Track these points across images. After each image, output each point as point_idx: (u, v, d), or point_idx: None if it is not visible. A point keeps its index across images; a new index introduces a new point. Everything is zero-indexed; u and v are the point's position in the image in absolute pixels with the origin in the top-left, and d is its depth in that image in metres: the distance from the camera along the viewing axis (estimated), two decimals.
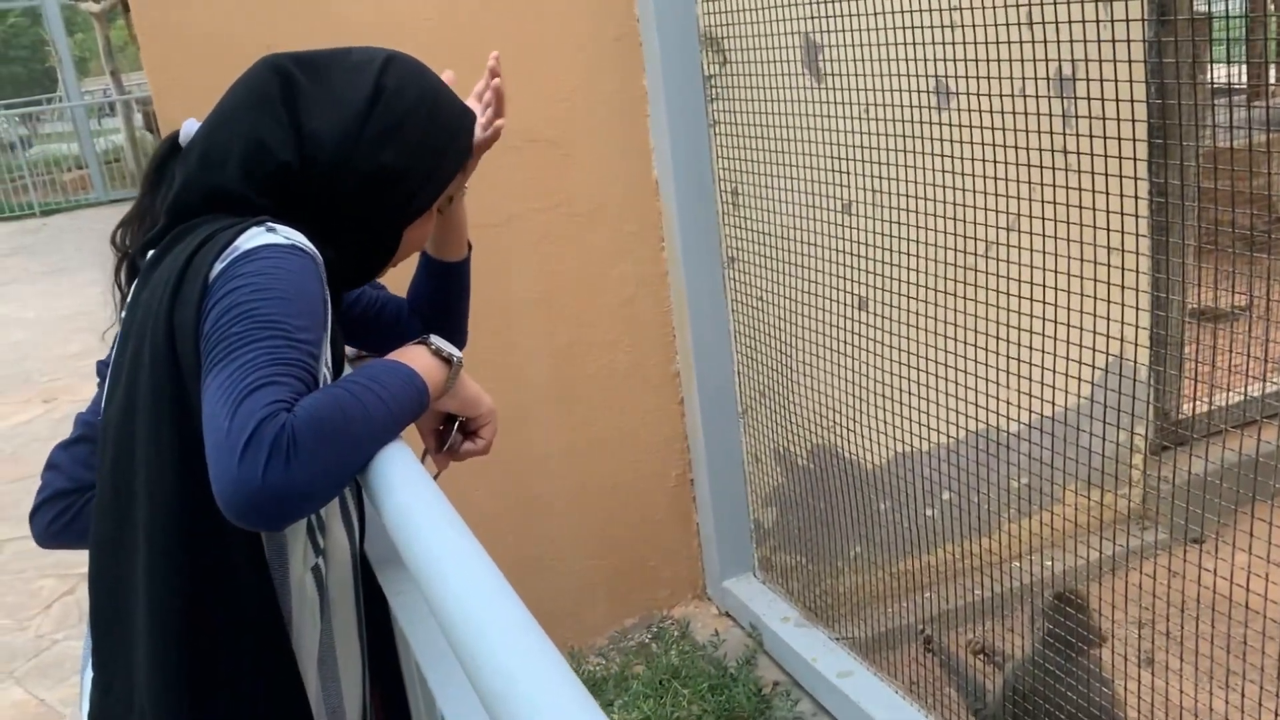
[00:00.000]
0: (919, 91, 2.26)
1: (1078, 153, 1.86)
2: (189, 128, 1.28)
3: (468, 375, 1.20)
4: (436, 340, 1.15)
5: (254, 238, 1.08)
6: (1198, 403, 3.18)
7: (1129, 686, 2.08)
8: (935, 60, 2.11)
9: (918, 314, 2.34)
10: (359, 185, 1.18)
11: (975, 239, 2.15)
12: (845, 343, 2.58)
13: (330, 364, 1.12)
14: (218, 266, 1.05)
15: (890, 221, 2.37)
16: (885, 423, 2.51)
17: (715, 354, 3.09)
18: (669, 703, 2.82)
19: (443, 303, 1.54)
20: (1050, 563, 2.68)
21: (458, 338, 1.56)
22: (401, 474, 0.94)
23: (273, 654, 1.13)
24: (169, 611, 1.07)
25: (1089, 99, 1.84)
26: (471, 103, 1.44)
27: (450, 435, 1.26)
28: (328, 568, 1.23)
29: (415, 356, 1.12)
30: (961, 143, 2.15)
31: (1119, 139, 1.79)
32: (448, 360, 1.15)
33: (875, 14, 2.27)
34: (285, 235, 1.09)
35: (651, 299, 3.13)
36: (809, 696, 2.87)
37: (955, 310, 2.22)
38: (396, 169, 1.19)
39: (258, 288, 1.01)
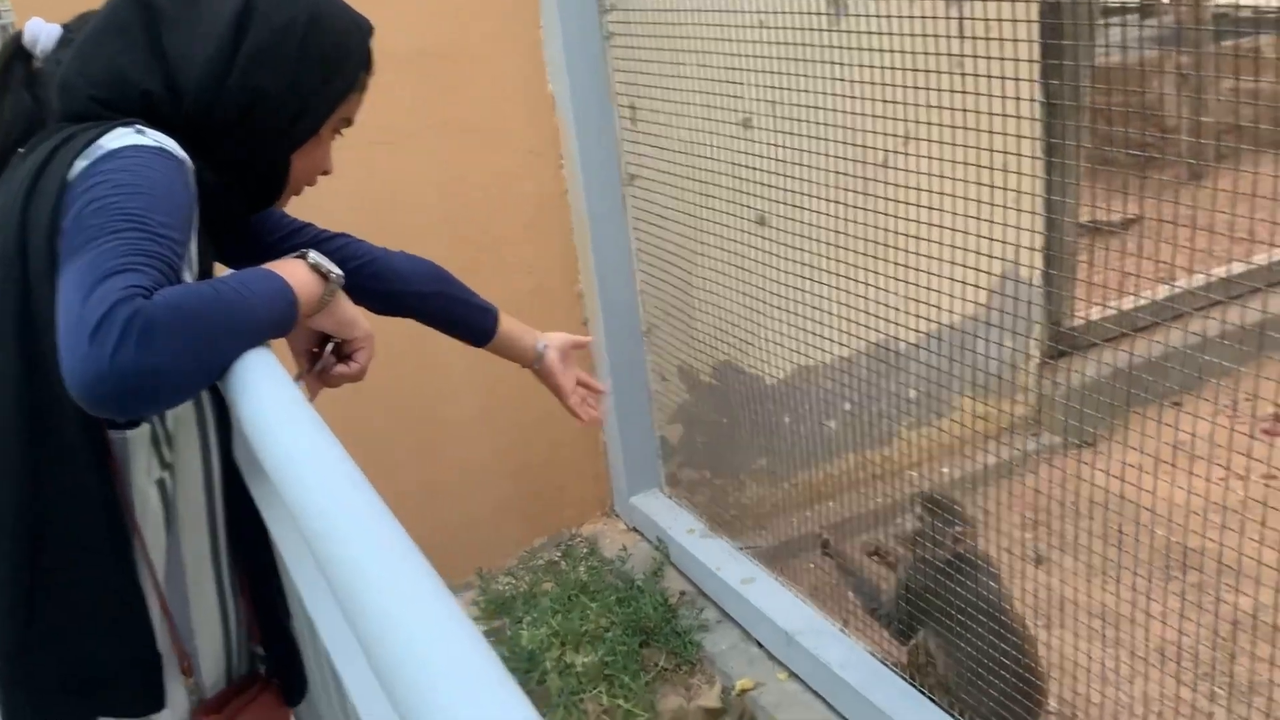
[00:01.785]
0: (815, 3, 2.19)
1: (975, 73, 1.82)
2: (34, 29, 1.17)
3: (345, 296, 1.16)
4: (315, 255, 1.10)
5: (120, 138, 1.01)
6: (1088, 312, 3.22)
7: (1022, 584, 2.10)
8: None
9: (816, 228, 2.30)
10: (234, 112, 1.10)
11: (872, 149, 2.11)
12: (746, 258, 2.55)
13: (195, 275, 1.05)
14: (79, 165, 0.99)
15: (788, 134, 2.32)
16: (786, 337, 2.50)
17: (618, 274, 3.05)
18: (577, 616, 2.82)
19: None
20: (946, 469, 2.70)
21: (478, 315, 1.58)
22: (260, 377, 0.86)
23: (111, 564, 1.07)
24: (4, 511, 1.02)
25: (985, 20, 1.81)
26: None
27: (324, 357, 1.22)
28: (175, 484, 1.16)
29: (292, 269, 1.07)
30: (857, 50, 2.09)
31: (1015, 59, 1.76)
32: (325, 276, 1.10)
33: None
34: (154, 138, 1.03)
35: (553, 220, 3.06)
36: (714, 604, 2.89)
37: (853, 223, 2.19)
38: (273, 92, 1.11)
39: (120, 184, 0.95)
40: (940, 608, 2.11)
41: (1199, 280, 1.80)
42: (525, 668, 2.73)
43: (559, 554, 3.22)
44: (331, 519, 0.64)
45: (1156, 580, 2.42)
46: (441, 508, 3.10)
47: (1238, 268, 1.73)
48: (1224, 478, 2.55)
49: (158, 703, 1.15)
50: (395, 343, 1.91)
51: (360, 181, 2.77)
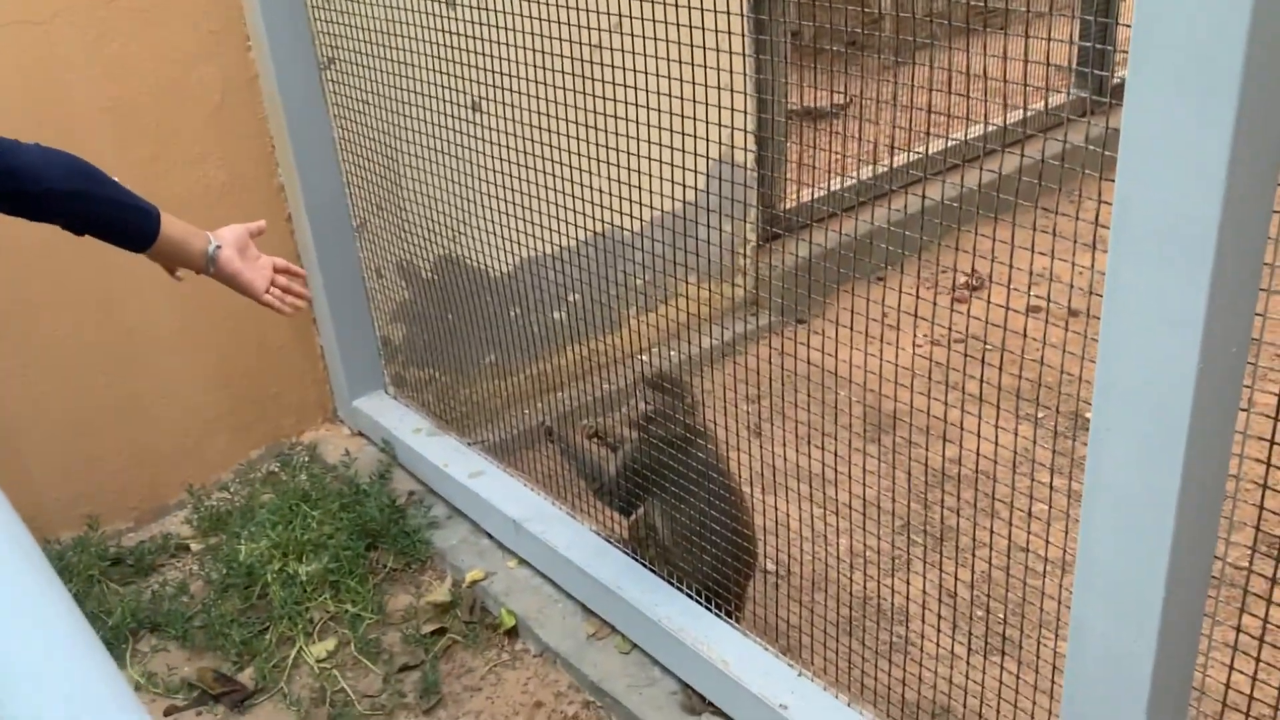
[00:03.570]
0: None
1: None
2: None
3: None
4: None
5: None
6: (799, 195, 3.34)
7: (739, 455, 2.17)
8: None
9: (532, 113, 2.22)
10: None
11: (587, 29, 2.03)
12: (461, 147, 2.46)
13: None
14: None
15: (497, 12, 2.20)
16: (509, 229, 2.45)
17: (320, 165, 2.89)
18: (298, 526, 2.75)
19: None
20: (672, 353, 2.75)
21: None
22: None
23: None
24: None
25: None
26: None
27: None
28: None
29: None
30: None
31: None
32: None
33: None
34: None
35: (243, 106, 2.83)
36: (443, 501, 2.89)
37: (568, 108, 2.12)
38: None
39: None
40: (667, 479, 2.17)
41: (901, 160, 1.86)
42: (244, 583, 2.63)
43: (278, 465, 3.11)
44: None
45: (860, 443, 2.59)
46: (144, 424, 2.90)
47: (937, 146, 1.81)
48: (921, 345, 2.76)
49: None
50: (61, 243, 1.68)
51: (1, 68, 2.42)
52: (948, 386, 1.71)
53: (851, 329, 1.83)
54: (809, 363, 1.98)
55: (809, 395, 2.02)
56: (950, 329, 1.82)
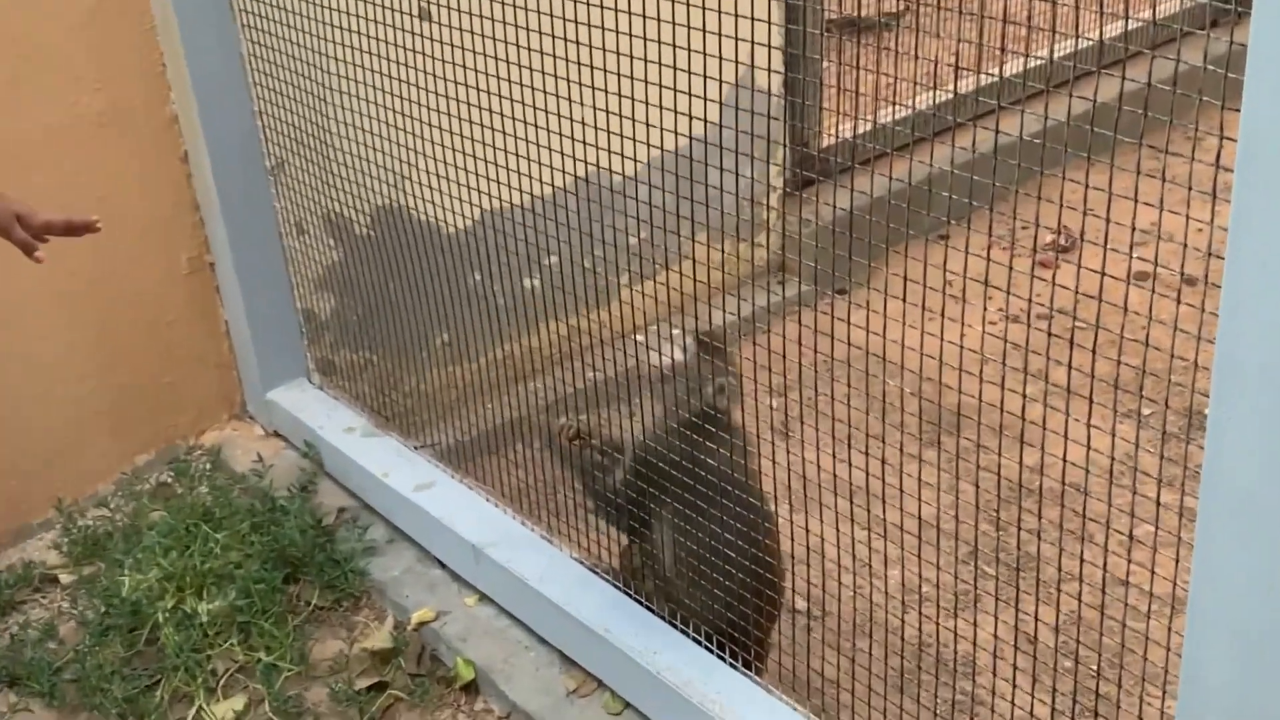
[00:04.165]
0: None
1: None
2: None
3: None
4: None
5: None
6: (840, 129, 3.34)
7: (766, 459, 2.19)
8: None
9: (499, 24, 2.22)
10: None
11: None
12: (408, 65, 2.46)
13: None
14: None
15: None
16: (468, 172, 2.45)
17: (225, 88, 2.92)
18: (197, 552, 2.76)
19: None
20: (677, 330, 2.75)
21: None
22: None
23: None
24: None
25: None
26: None
27: None
28: None
29: None
30: None
31: None
32: None
33: None
34: None
35: (123, 15, 2.85)
36: (382, 520, 2.91)
37: (547, 15, 2.12)
38: None
39: None
40: (681, 482, 2.18)
41: (969, 85, 1.87)
42: (128, 624, 2.64)
43: (171, 474, 3.12)
44: None
45: (915, 448, 2.60)
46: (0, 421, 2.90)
47: (1015, 67, 1.81)
48: (994, 321, 2.76)
49: None
50: None
51: None
52: (1027, 375, 1.71)
53: (905, 301, 1.83)
54: (850, 344, 1.98)
55: (850, 386, 2.02)
56: (1031, 301, 1.83)
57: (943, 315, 1.80)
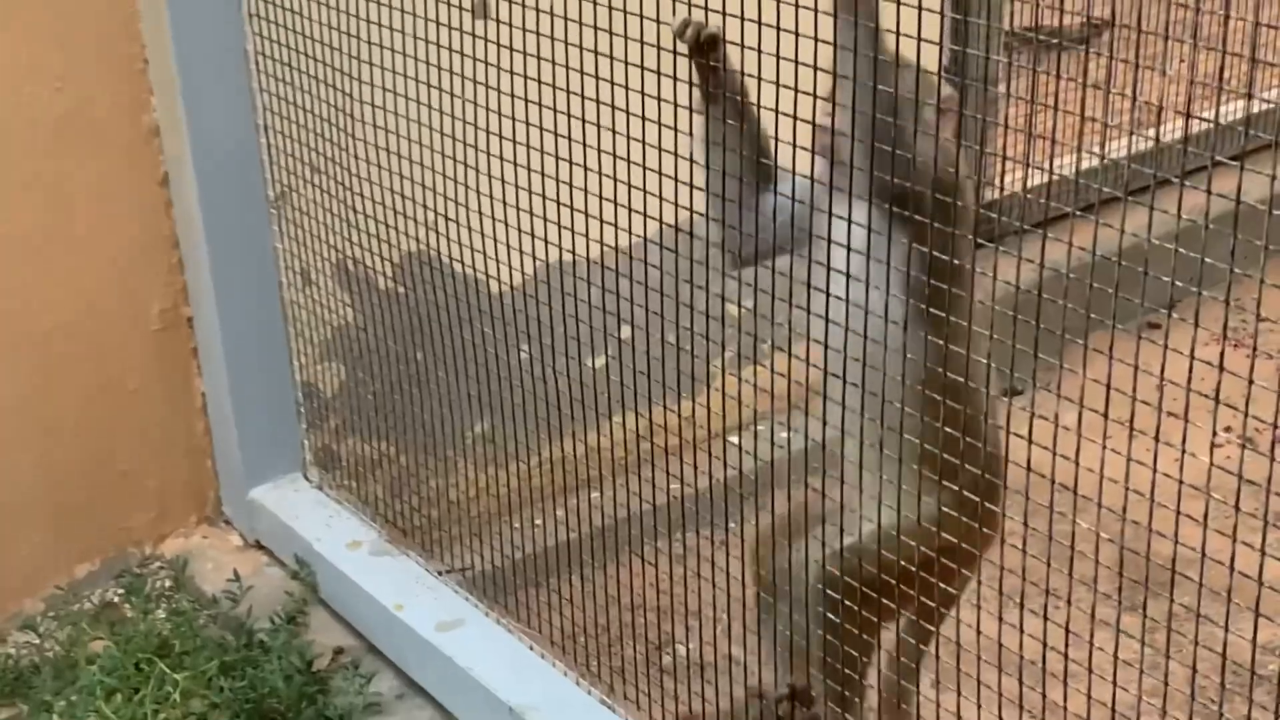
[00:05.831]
0: None
1: None
2: None
3: None
4: None
5: None
6: (1013, 178, 3.31)
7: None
8: None
9: (582, 26, 2.23)
10: None
11: None
12: (457, 75, 2.48)
13: None
14: None
15: None
16: (527, 214, 2.47)
17: (223, 95, 2.98)
18: (148, 698, 2.76)
19: None
20: (786, 434, 2.74)
21: None
22: None
23: None
24: None
25: None
26: None
27: None
28: None
29: None
30: None
31: None
32: None
33: None
34: None
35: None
36: (391, 667, 2.90)
37: (637, 18, 2.14)
38: None
39: None
40: None
41: (1198, 130, 1.84)
42: None
43: (120, 591, 3.13)
44: None
45: (1111, 612, 2.54)
46: None
47: (1262, 106, 1.79)
48: (1221, 443, 2.69)
49: None
50: None
51: None
52: (1267, 520, 1.66)
53: (1106, 415, 1.80)
54: (1028, 467, 1.94)
55: (1025, 525, 1.98)
56: (1278, 421, 1.80)
57: (1157, 436, 1.77)
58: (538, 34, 2.32)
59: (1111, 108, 1.85)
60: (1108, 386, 1.81)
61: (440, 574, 2.91)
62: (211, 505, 3.31)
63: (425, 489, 2.99)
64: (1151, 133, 2.08)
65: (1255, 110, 1.78)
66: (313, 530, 3.07)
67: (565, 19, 2.26)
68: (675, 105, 2.15)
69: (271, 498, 3.17)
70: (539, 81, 2.34)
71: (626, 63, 2.18)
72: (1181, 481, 1.81)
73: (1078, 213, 1.88)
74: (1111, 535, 2.28)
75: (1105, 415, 1.81)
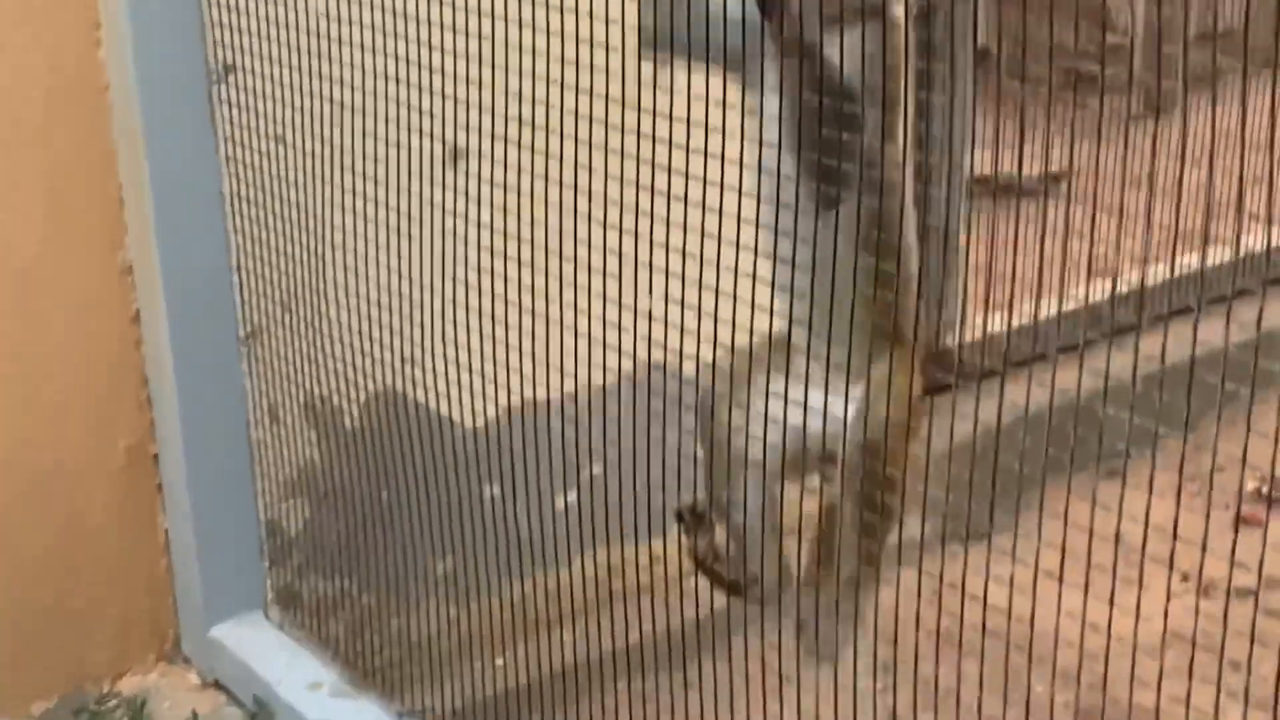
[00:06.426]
0: None
1: None
2: None
3: None
4: None
5: None
6: (986, 321, 3.33)
7: None
8: None
9: (552, 160, 2.27)
10: None
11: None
12: (429, 216, 2.52)
13: None
14: None
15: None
16: (497, 354, 2.50)
17: (198, 234, 3.00)
18: None
19: None
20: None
21: None
22: None
23: None
24: None
25: None
26: None
27: None
28: None
29: None
30: None
31: None
32: None
33: None
34: None
35: (73, 129, 2.95)
36: None
37: (607, 153, 2.17)
38: None
39: None
40: None
41: (1156, 276, 1.88)
42: None
43: None
44: None
45: None
46: None
47: (1219, 255, 1.83)
48: (1178, 593, 2.69)
49: None
50: None
51: None
52: (1221, 676, 1.67)
53: (1062, 564, 1.81)
54: (983, 621, 1.95)
55: (982, 675, 1.98)
56: (1232, 568, 1.80)
57: (1112, 583, 1.78)
58: (504, 187, 2.36)
59: (1070, 257, 1.89)
60: (1062, 545, 1.82)
61: (401, 715, 2.90)
62: (171, 643, 3.28)
63: (386, 629, 2.98)
64: (1124, 278, 2.12)
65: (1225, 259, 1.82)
66: (273, 670, 3.05)
67: (531, 174, 2.31)
68: (654, 244, 2.17)
69: (232, 636, 3.15)
70: (504, 235, 2.38)
71: (591, 217, 2.22)
72: (1136, 633, 1.82)
73: (1046, 354, 1.90)
74: (1068, 693, 2.29)
75: (1060, 578, 1.82)
